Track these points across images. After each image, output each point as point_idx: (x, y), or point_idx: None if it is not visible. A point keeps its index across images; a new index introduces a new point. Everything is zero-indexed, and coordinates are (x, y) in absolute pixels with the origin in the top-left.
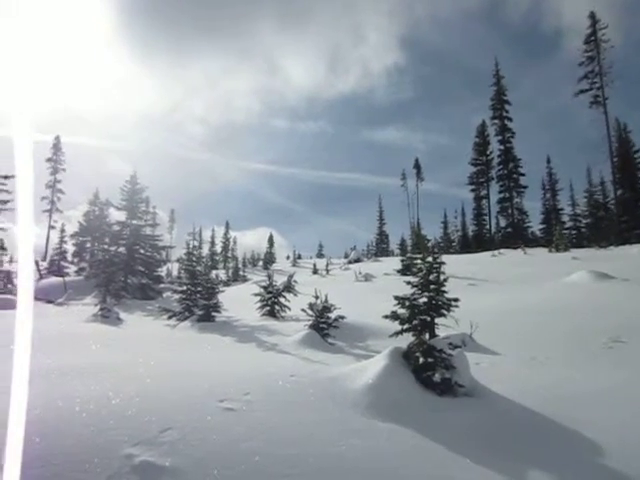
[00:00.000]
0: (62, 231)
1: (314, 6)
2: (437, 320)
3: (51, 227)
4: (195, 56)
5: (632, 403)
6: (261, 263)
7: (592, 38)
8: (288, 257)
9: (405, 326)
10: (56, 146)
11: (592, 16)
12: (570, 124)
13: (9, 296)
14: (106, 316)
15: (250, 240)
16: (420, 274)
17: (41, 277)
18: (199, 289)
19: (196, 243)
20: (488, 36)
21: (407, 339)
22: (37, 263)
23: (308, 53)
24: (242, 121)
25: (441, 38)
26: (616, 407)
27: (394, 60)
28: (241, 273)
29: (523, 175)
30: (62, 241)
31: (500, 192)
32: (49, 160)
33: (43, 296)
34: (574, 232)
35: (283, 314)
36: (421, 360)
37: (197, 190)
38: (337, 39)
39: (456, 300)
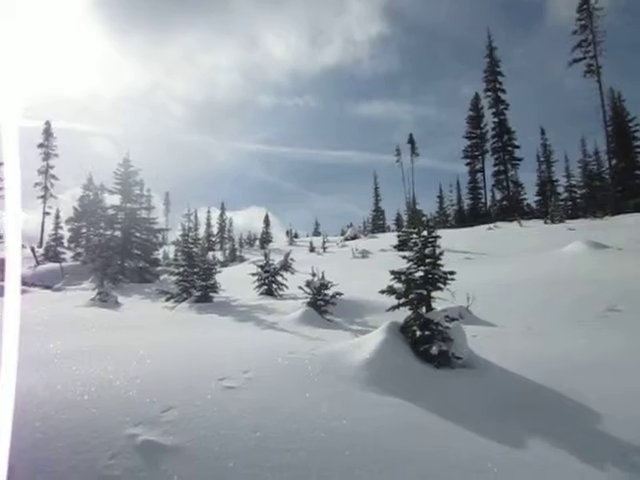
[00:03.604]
0: (57, 217)
1: None
2: (433, 294)
3: (46, 213)
4: (173, 32)
5: (630, 373)
6: (258, 243)
7: (584, 6)
8: (288, 233)
9: (402, 300)
10: (47, 131)
11: None
12: (564, 94)
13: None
14: (104, 300)
15: (241, 220)
16: (416, 248)
17: (38, 263)
18: (196, 270)
19: (191, 225)
20: (474, 5)
21: (404, 313)
22: (33, 249)
23: (288, 25)
24: (225, 98)
25: (426, 7)
26: (620, 377)
27: (378, 30)
28: (238, 253)
29: (518, 147)
30: (57, 227)
31: (495, 165)
32: (41, 146)
33: (40, 282)
34: (569, 203)
35: (281, 292)
36: (418, 333)
37: (187, 172)
38: (317, 9)
39: (452, 273)
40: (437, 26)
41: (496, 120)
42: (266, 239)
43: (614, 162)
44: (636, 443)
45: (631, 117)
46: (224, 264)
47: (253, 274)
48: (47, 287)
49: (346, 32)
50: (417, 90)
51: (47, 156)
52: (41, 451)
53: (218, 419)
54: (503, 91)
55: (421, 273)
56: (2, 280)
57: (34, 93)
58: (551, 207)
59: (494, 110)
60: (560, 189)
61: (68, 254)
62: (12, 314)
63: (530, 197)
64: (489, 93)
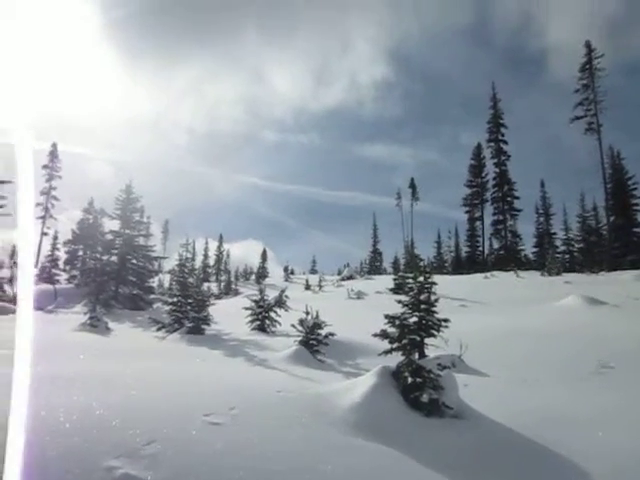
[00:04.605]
0: (55, 238)
1: (300, 15)
2: (427, 340)
3: (44, 234)
4: (180, 61)
5: (622, 430)
6: (253, 277)
7: (587, 67)
8: (286, 269)
9: (395, 345)
10: (52, 153)
11: (588, 45)
12: (564, 149)
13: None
14: (95, 325)
15: (237, 251)
16: (411, 293)
17: None
18: (190, 301)
19: (189, 255)
20: (477, 55)
21: (397, 358)
22: None
23: (295, 61)
24: (230, 131)
25: (430, 54)
26: (606, 433)
27: (383, 73)
28: (233, 286)
29: (517, 198)
30: (54, 248)
31: (494, 214)
32: (45, 167)
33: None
34: (566, 256)
35: (273, 329)
36: (409, 380)
37: (187, 201)
38: (324, 49)
39: (446, 321)
40: (440, 73)
41: (497, 170)
42: (262, 274)
43: (612, 218)
44: None
45: (630, 175)
46: (218, 296)
47: (246, 308)
48: (39, 308)
49: (351, 73)
50: (419, 135)
51: (50, 177)
52: None
53: (201, 455)
54: (505, 142)
55: (415, 319)
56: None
57: (39, 115)
58: (548, 259)
59: (496, 160)
60: (558, 242)
61: (63, 276)
62: (24, 336)
63: (528, 248)
64: (491, 144)
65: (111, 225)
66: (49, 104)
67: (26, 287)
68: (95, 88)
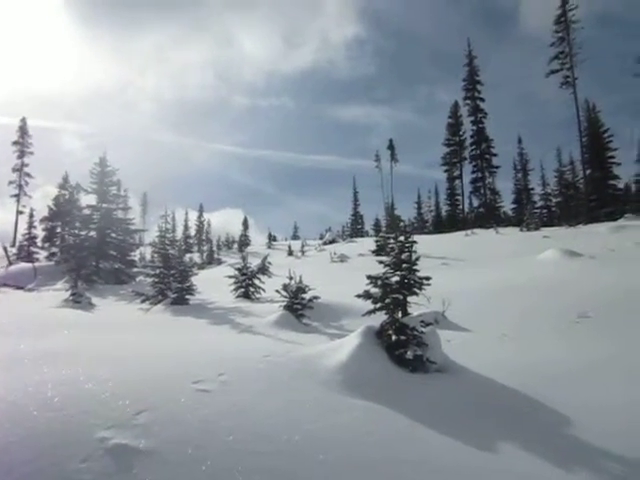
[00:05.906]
0: (31, 216)
1: None
2: (409, 298)
3: (19, 212)
4: (144, 28)
5: (603, 381)
6: (236, 245)
7: (562, 19)
8: (269, 236)
9: (378, 305)
10: (22, 128)
11: None
12: (540, 103)
13: None
14: (78, 301)
15: (216, 221)
16: (392, 253)
17: (10, 263)
18: (172, 272)
19: (169, 226)
20: (448, 10)
21: (380, 317)
22: (5, 249)
23: (263, 24)
24: (199, 98)
25: (401, 10)
26: (582, 383)
27: (354, 32)
28: (216, 256)
29: (495, 155)
30: (31, 226)
31: (473, 172)
32: (15, 143)
33: (12, 282)
34: (545, 211)
35: (258, 296)
36: (393, 338)
37: (162, 172)
38: (292, 8)
39: (428, 279)
40: (412, 30)
41: (474, 128)
42: (244, 242)
43: (588, 171)
44: (614, 452)
45: (605, 128)
46: (201, 266)
47: (230, 277)
48: (19, 287)
49: (322, 33)
50: (394, 95)
51: (22, 154)
52: (10, 454)
53: (191, 422)
54: (482, 100)
55: (397, 278)
56: None
57: (2, 89)
58: (527, 215)
59: (473, 118)
60: (536, 197)
61: (42, 254)
62: None
63: (507, 205)
64: (468, 101)
65: (88, 200)
66: (12, 78)
67: None
68: (58, 60)
